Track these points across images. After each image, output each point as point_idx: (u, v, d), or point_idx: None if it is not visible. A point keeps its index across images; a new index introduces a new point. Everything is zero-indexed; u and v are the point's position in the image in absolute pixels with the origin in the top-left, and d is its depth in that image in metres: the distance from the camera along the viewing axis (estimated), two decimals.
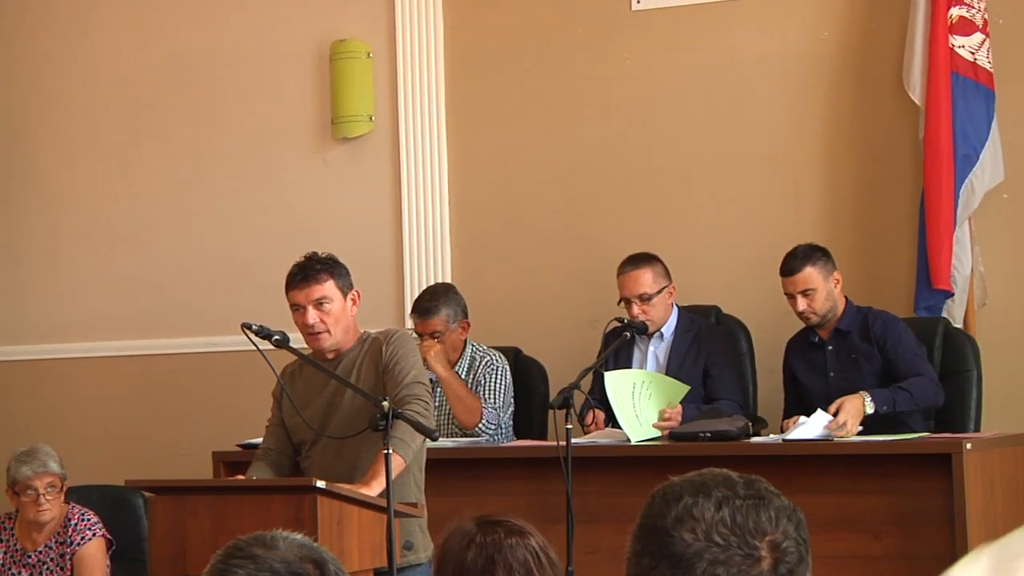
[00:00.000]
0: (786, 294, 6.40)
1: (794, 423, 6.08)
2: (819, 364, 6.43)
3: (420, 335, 6.77)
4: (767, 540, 1.99)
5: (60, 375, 8.36)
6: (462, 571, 2.91)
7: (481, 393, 6.76)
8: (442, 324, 6.78)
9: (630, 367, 6.71)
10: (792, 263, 6.38)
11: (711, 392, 6.60)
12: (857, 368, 6.30)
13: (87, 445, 7.92)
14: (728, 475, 2.05)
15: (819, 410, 6.02)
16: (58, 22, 8.45)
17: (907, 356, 6.22)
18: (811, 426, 5.98)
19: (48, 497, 6.19)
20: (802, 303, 6.34)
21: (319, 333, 5.28)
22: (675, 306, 6.75)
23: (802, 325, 6.54)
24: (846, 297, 6.43)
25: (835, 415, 5.95)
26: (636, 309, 6.61)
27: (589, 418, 6.46)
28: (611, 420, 6.58)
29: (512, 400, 6.86)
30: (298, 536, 2.47)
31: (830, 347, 6.39)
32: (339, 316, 5.30)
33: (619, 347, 6.49)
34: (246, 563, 2.37)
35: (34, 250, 8.46)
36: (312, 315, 5.27)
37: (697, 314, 6.84)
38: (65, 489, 6.29)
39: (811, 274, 6.33)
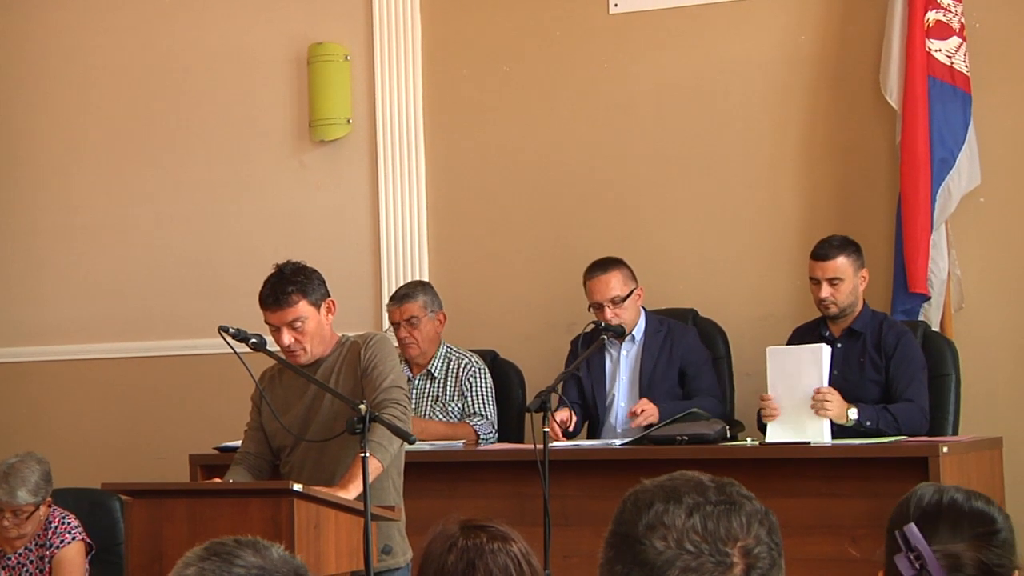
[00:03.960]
0: (811, 278, 6.37)
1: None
2: None
3: (397, 324, 6.80)
4: (739, 546, 1.99)
5: (37, 377, 8.34)
6: (443, 574, 2.91)
7: (470, 400, 6.79)
8: (419, 309, 6.83)
9: (603, 372, 6.73)
10: (827, 249, 6.36)
11: (691, 390, 6.61)
12: (860, 372, 6.28)
13: (64, 448, 7.89)
14: (699, 479, 2.05)
15: (824, 345, 6.06)
16: (37, 28, 8.43)
17: (906, 377, 6.20)
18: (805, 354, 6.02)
19: (16, 522, 6.15)
20: (826, 290, 6.31)
21: (295, 352, 5.27)
22: (642, 308, 6.76)
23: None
24: (864, 300, 6.43)
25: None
26: (608, 313, 6.60)
27: (564, 414, 6.36)
28: (583, 422, 6.65)
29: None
30: (279, 547, 2.44)
31: (839, 345, 6.36)
32: (314, 332, 5.28)
33: (591, 353, 6.49)
34: (247, 571, 2.33)
35: (11, 252, 8.44)
36: (287, 337, 5.26)
37: (675, 318, 6.84)
38: (44, 505, 6.23)
39: (843, 264, 6.32)
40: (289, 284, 5.25)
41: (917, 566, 2.41)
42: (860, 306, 6.39)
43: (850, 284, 6.32)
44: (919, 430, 6.11)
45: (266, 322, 5.30)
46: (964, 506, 2.49)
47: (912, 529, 2.41)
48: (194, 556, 2.37)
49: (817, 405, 5.95)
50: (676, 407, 6.40)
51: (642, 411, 6.36)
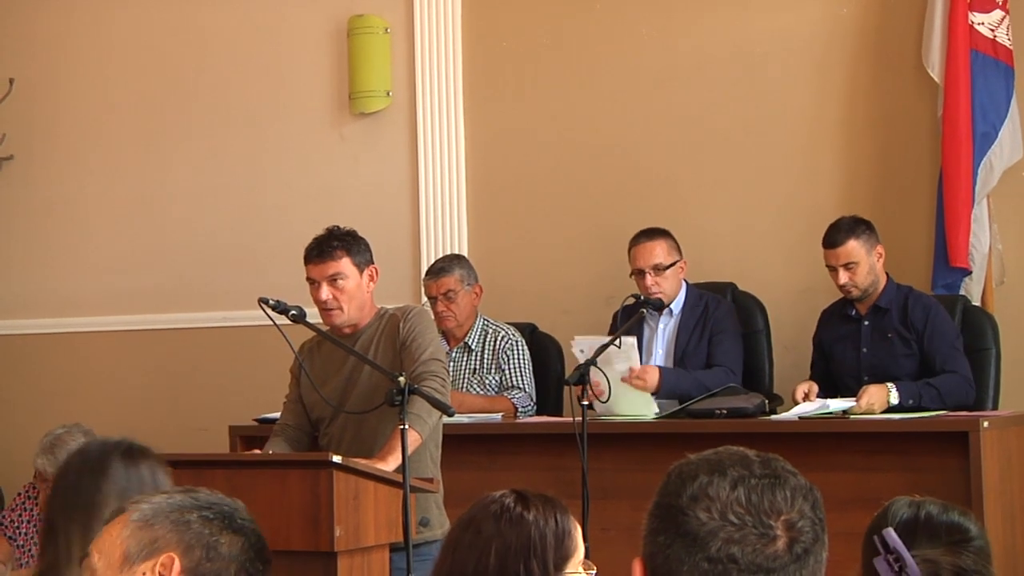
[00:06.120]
0: (827, 266, 6.35)
1: (803, 396, 6.11)
2: (853, 338, 6.38)
3: (434, 299, 6.81)
4: (782, 519, 1.99)
5: (78, 349, 8.39)
6: (452, 530, 2.90)
7: (507, 373, 6.80)
8: (455, 283, 6.84)
9: (641, 344, 6.72)
10: (835, 235, 6.31)
11: (710, 359, 6.60)
12: (891, 347, 6.26)
13: (104, 419, 7.91)
14: (744, 454, 2.05)
15: (834, 400, 6.06)
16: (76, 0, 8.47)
17: (944, 349, 6.17)
18: (822, 407, 6.03)
19: None
20: (844, 276, 6.28)
21: (332, 310, 5.30)
22: (684, 282, 6.75)
23: (825, 299, 6.53)
24: (887, 273, 6.40)
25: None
26: (649, 280, 6.60)
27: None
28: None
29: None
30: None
31: (866, 323, 6.35)
32: (353, 293, 5.30)
33: (631, 326, 6.48)
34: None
35: (51, 224, 8.48)
36: (325, 291, 5.29)
37: (713, 291, 6.83)
38: None
39: (854, 247, 6.27)
40: (336, 240, 5.33)
41: (896, 568, 2.45)
42: (883, 282, 6.36)
43: (866, 265, 6.28)
44: (966, 399, 6.09)
45: (308, 278, 5.34)
46: (939, 518, 2.55)
47: (890, 532, 2.45)
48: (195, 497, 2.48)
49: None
50: (679, 376, 6.44)
51: (639, 377, 6.34)
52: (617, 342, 6.07)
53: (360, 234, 5.42)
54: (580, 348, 6.24)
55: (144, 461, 3.21)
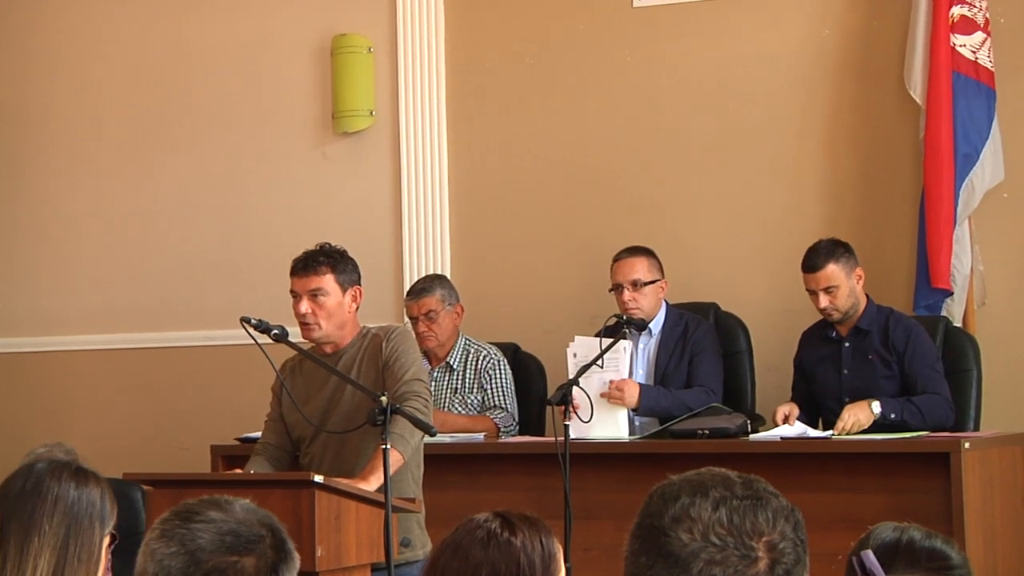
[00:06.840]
0: (808, 290, 6.34)
1: (783, 418, 6.12)
2: (834, 360, 6.37)
3: (415, 319, 6.81)
4: (764, 541, 1.99)
5: (59, 367, 8.36)
6: (436, 555, 2.88)
7: (490, 393, 6.79)
8: (436, 303, 6.84)
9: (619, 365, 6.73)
10: (815, 259, 6.29)
11: (690, 379, 6.60)
12: (871, 369, 6.26)
13: (85, 437, 7.91)
14: (726, 475, 2.05)
15: (815, 432, 6.06)
16: (63, 16, 8.45)
17: (925, 371, 6.17)
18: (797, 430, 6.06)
19: None
20: (824, 300, 6.27)
21: (309, 324, 5.30)
22: (664, 303, 6.75)
23: (808, 320, 6.53)
24: (867, 295, 6.40)
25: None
26: (627, 295, 6.61)
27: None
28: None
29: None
30: (244, 501, 2.52)
31: (847, 344, 6.34)
32: (333, 310, 5.31)
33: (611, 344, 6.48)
34: (206, 526, 2.43)
35: (34, 242, 8.46)
36: (305, 305, 5.30)
37: (696, 311, 6.83)
38: None
39: (834, 271, 6.26)
40: (323, 256, 5.35)
41: None
42: (863, 303, 6.36)
43: (846, 288, 6.27)
44: (945, 421, 6.09)
45: (291, 290, 5.34)
46: (921, 543, 2.54)
47: (868, 554, 2.45)
48: (159, 520, 2.48)
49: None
50: (660, 394, 6.44)
51: (619, 391, 6.34)
52: (600, 363, 6.08)
53: (350, 254, 5.42)
54: (574, 352, 6.26)
55: (95, 482, 3.20)
